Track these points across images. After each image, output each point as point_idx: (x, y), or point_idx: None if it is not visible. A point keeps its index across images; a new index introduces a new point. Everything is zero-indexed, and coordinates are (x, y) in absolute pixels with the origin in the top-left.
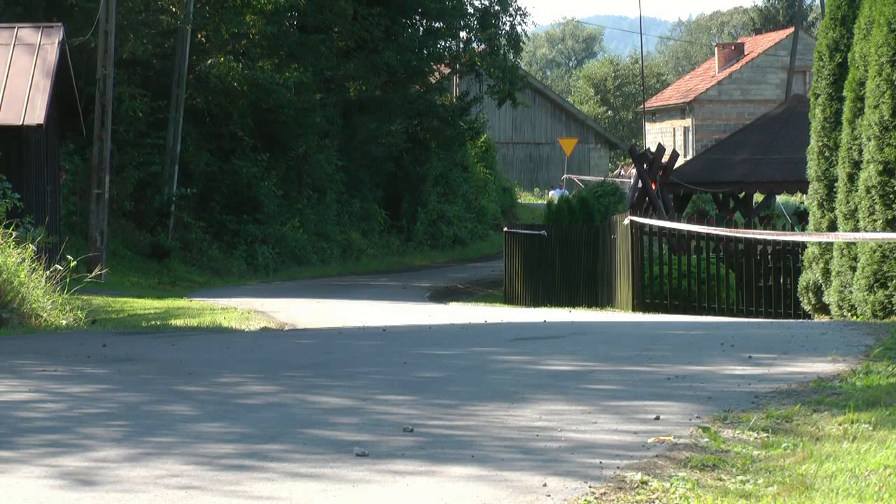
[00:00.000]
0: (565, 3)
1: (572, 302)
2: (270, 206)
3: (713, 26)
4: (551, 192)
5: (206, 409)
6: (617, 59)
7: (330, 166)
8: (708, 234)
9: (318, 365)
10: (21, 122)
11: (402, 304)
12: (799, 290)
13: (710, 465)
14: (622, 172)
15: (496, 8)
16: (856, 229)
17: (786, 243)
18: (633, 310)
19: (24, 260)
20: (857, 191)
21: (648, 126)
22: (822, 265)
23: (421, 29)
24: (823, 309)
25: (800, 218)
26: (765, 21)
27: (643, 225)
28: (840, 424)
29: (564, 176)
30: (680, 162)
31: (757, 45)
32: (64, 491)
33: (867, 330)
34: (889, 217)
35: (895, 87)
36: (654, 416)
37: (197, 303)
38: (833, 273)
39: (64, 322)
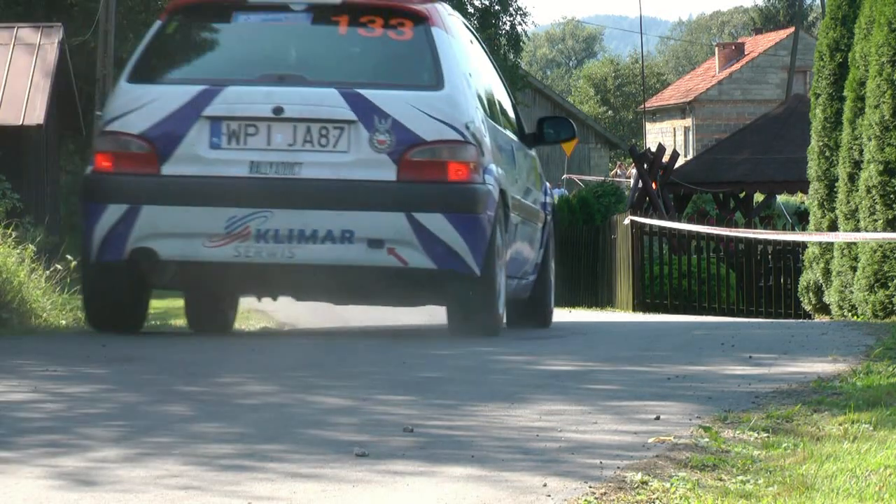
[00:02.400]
0: (565, 3)
1: (572, 302)
2: None
3: (713, 26)
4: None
5: (206, 409)
6: (617, 59)
7: None
8: (708, 234)
9: (318, 365)
10: (21, 122)
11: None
12: (799, 290)
13: (710, 466)
14: (619, 171)
15: (496, 8)
16: (856, 229)
17: (786, 243)
18: (633, 310)
19: (23, 260)
20: (857, 191)
21: (648, 126)
22: (822, 265)
23: None
24: (824, 309)
25: (800, 218)
26: (765, 21)
27: (643, 225)
28: (840, 424)
29: (564, 176)
30: (680, 162)
31: (757, 44)
32: (63, 491)
33: (868, 330)
34: (890, 217)
35: (895, 86)
36: (655, 416)
37: None
38: (833, 273)
39: (64, 322)
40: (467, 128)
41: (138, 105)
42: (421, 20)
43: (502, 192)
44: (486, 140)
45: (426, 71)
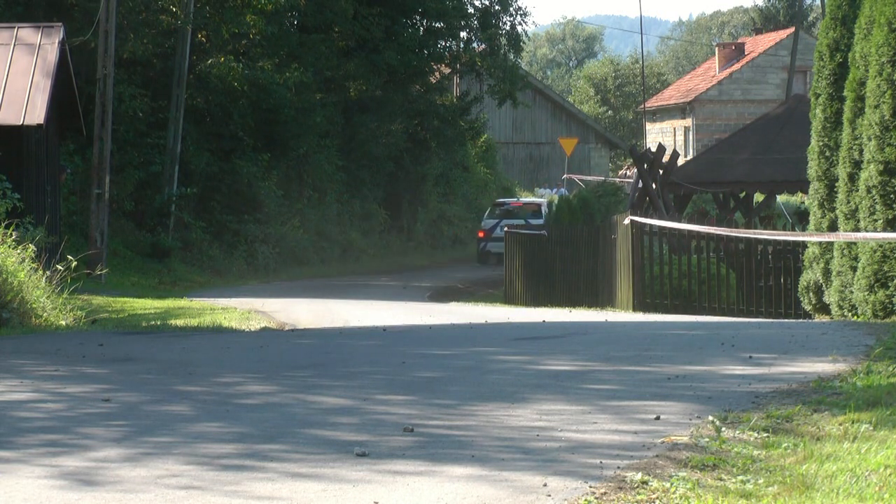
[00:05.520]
0: (565, 3)
1: (572, 302)
2: (271, 206)
3: (713, 26)
4: (541, 191)
5: (206, 409)
6: (617, 59)
7: (330, 166)
8: (708, 234)
9: (318, 365)
10: (21, 122)
11: (402, 304)
12: (799, 289)
13: (710, 465)
14: (627, 173)
15: (496, 8)
16: (856, 229)
17: (786, 243)
18: (634, 310)
19: (24, 260)
20: (857, 190)
21: (649, 126)
22: (822, 265)
23: (421, 29)
24: (824, 309)
25: (800, 218)
26: (765, 21)
27: (644, 225)
28: (840, 424)
29: (564, 176)
30: (680, 162)
31: (757, 44)
32: (64, 491)
33: (868, 330)
34: (890, 217)
35: (895, 86)
36: (655, 416)
37: (197, 303)
38: (833, 273)
39: (64, 322)
40: None
41: (488, 222)
42: None
43: None
44: None
45: None
